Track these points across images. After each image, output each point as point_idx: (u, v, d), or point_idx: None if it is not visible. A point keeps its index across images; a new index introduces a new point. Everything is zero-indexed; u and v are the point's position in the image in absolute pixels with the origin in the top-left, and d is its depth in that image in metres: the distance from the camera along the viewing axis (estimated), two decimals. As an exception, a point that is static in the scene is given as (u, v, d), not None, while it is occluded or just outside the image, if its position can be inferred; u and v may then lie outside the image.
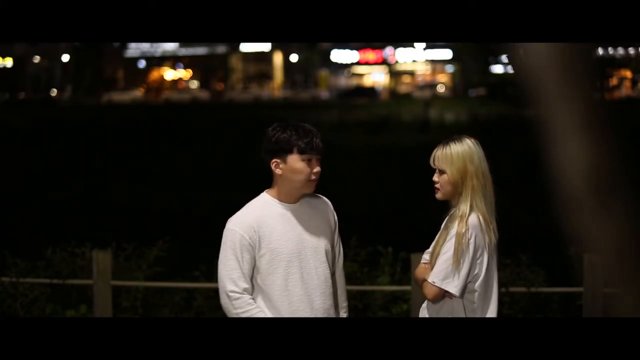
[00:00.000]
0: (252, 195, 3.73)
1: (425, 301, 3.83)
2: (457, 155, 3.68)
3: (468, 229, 3.62)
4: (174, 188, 19.82)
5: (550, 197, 1.68)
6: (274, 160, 3.61)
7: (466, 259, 3.62)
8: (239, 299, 3.57)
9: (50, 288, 6.85)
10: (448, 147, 3.71)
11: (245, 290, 3.58)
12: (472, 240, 3.62)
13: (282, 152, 3.59)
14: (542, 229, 7.45)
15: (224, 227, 3.64)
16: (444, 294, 3.68)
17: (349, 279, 6.96)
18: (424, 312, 3.83)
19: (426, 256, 3.86)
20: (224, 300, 3.60)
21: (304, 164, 3.58)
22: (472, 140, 3.74)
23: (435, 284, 3.64)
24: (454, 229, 3.64)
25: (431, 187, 3.80)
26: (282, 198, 3.65)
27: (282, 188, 3.64)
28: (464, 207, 3.67)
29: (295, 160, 3.58)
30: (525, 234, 9.76)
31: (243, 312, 3.57)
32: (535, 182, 4.83)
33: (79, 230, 10.40)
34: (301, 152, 3.57)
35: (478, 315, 3.69)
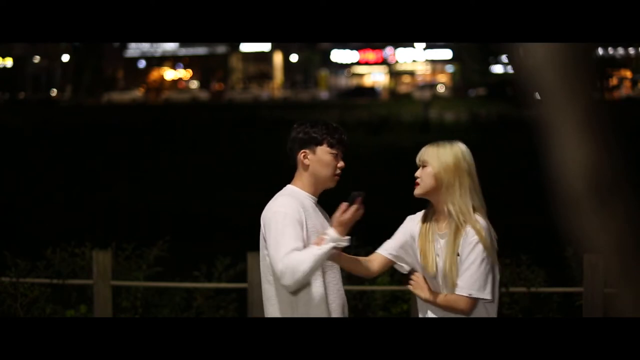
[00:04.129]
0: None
1: (428, 306, 3.77)
2: (444, 152, 3.62)
3: (489, 233, 3.57)
4: (174, 188, 19.82)
5: (550, 197, 1.68)
6: (302, 151, 3.68)
7: (490, 262, 3.58)
8: (291, 255, 3.46)
9: (50, 288, 6.84)
10: (436, 145, 3.66)
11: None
12: (491, 243, 3.59)
13: (312, 143, 3.67)
14: (542, 229, 7.45)
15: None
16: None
17: (349, 278, 6.97)
18: (429, 313, 3.76)
19: (382, 251, 3.78)
20: (286, 276, 3.43)
21: (332, 157, 3.68)
22: (462, 144, 3.70)
23: (473, 296, 3.55)
24: (474, 236, 3.54)
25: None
26: (308, 190, 3.70)
27: (308, 180, 3.70)
28: (463, 206, 3.62)
29: (324, 152, 3.67)
30: (525, 234, 9.76)
31: (303, 261, 3.43)
32: (535, 182, 4.83)
33: (79, 230, 10.40)
34: (331, 145, 3.67)
35: (483, 315, 3.66)
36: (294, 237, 3.50)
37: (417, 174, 3.67)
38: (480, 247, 3.54)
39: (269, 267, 3.62)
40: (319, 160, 3.67)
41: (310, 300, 3.61)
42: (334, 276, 3.70)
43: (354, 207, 3.53)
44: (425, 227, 3.69)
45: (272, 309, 3.67)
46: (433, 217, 3.69)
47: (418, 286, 3.71)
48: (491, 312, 3.65)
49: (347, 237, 3.53)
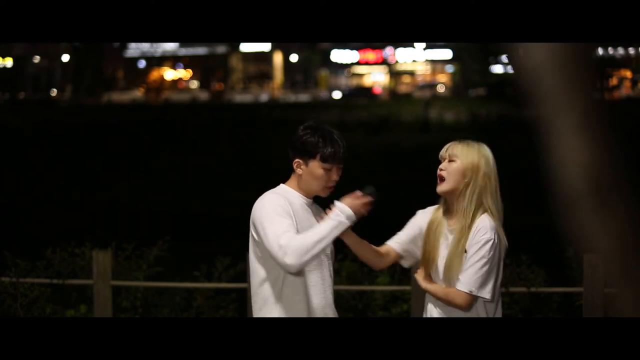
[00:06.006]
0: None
1: (433, 304, 3.77)
2: (473, 149, 3.64)
3: (494, 233, 3.57)
4: (174, 188, 19.82)
5: (550, 197, 1.67)
6: (296, 159, 3.67)
7: (495, 262, 3.58)
8: (292, 233, 3.46)
9: (50, 288, 6.84)
10: (465, 142, 3.67)
11: None
12: (497, 244, 3.59)
13: (306, 154, 3.64)
14: (542, 229, 7.45)
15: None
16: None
17: (349, 279, 6.97)
18: (433, 314, 3.77)
19: (394, 244, 3.79)
20: (291, 257, 3.41)
21: (324, 172, 3.63)
22: (486, 146, 3.73)
23: (473, 293, 3.56)
24: (483, 235, 3.55)
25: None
26: (301, 192, 3.70)
27: (300, 186, 3.70)
28: (477, 204, 3.61)
29: (316, 167, 3.64)
30: (525, 234, 9.76)
31: (312, 237, 3.43)
32: (535, 182, 4.83)
33: (79, 230, 10.40)
34: (323, 160, 3.62)
35: (482, 315, 3.67)
36: (288, 223, 3.50)
37: (442, 167, 3.65)
38: (487, 246, 3.55)
39: (258, 264, 3.63)
40: (311, 172, 3.65)
41: (290, 300, 3.61)
42: (318, 278, 3.66)
43: (366, 198, 3.53)
44: (436, 221, 3.71)
45: (255, 306, 3.68)
46: (446, 212, 3.71)
47: (421, 275, 3.75)
48: (490, 311, 3.66)
49: (352, 214, 3.50)
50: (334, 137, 3.65)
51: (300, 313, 3.62)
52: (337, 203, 3.52)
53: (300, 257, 3.41)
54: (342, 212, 3.49)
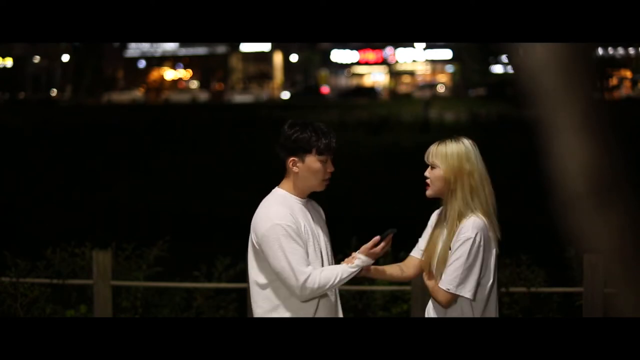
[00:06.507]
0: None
1: (431, 302, 3.82)
2: (451, 153, 3.69)
3: (477, 232, 3.60)
4: (174, 188, 19.82)
5: (550, 197, 1.68)
6: (291, 158, 3.66)
7: (477, 262, 3.61)
8: (313, 275, 3.56)
9: (50, 288, 6.84)
10: (444, 145, 3.72)
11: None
12: (481, 243, 3.61)
13: (301, 151, 3.65)
14: (542, 229, 7.45)
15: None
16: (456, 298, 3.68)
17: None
18: (430, 313, 3.81)
19: (416, 254, 3.91)
20: (307, 292, 3.55)
21: (321, 165, 3.66)
22: (469, 140, 3.74)
23: (450, 291, 3.62)
24: (464, 234, 3.61)
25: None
26: (296, 194, 3.71)
27: (297, 185, 3.70)
28: (462, 206, 3.67)
29: (313, 161, 3.65)
30: (525, 234, 9.76)
31: (329, 279, 3.56)
32: (535, 182, 4.83)
33: (79, 230, 10.40)
34: (320, 153, 3.64)
35: (468, 314, 3.69)
36: (301, 252, 3.56)
37: (427, 174, 3.75)
38: (467, 245, 3.61)
39: (261, 274, 3.66)
40: (308, 168, 3.65)
41: (297, 308, 3.65)
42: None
43: (383, 244, 3.63)
44: (438, 222, 3.82)
45: (258, 310, 3.70)
46: (445, 213, 3.79)
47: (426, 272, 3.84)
48: (477, 311, 3.68)
49: (372, 261, 3.66)
50: (323, 129, 3.68)
51: (310, 313, 3.65)
52: (358, 255, 3.64)
53: (315, 294, 3.57)
54: (361, 262, 3.62)
